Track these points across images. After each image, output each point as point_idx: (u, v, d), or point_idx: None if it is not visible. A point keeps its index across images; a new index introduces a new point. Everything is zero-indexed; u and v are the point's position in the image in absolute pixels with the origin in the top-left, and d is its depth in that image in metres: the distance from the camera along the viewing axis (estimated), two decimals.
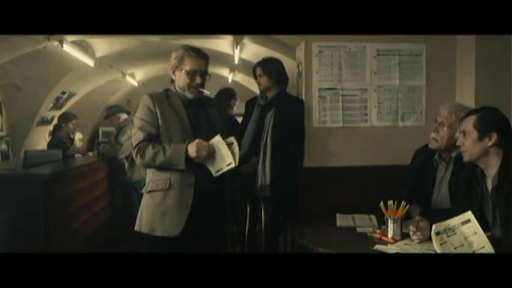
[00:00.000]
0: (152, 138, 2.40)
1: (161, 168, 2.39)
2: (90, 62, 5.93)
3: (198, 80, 2.46)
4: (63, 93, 6.96)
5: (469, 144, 2.17)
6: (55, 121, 6.68)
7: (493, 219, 2.13)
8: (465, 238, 1.84)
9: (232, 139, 2.40)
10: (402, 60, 3.46)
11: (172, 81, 2.54)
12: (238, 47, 5.67)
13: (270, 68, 3.40)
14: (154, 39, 5.43)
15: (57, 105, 7.09)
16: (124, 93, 9.23)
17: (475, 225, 1.87)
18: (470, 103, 3.26)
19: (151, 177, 2.46)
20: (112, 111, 5.40)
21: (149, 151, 2.35)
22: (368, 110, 3.44)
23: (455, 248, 1.82)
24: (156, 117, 2.42)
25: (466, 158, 2.20)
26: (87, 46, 5.74)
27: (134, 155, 2.41)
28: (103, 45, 5.82)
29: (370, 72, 3.44)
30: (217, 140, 2.36)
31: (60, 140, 5.65)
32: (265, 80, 3.38)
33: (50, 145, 5.82)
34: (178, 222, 2.36)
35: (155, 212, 2.40)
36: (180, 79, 2.48)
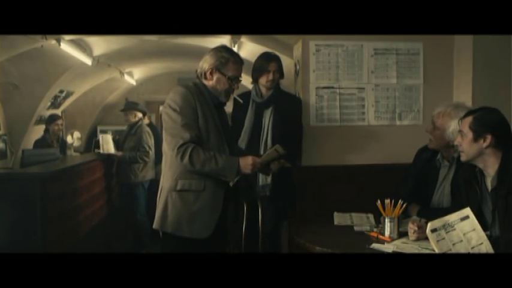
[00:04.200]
0: (198, 139, 2.29)
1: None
2: (88, 61, 5.92)
3: (235, 86, 2.45)
4: (61, 92, 6.96)
5: (465, 145, 2.19)
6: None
7: (492, 219, 2.14)
8: (464, 234, 1.84)
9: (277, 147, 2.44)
10: (399, 59, 3.46)
11: (205, 79, 2.44)
12: (236, 46, 5.66)
13: (280, 64, 3.24)
14: (152, 38, 5.42)
15: (55, 104, 7.09)
16: (122, 91, 9.22)
17: (473, 221, 1.87)
18: (468, 102, 3.26)
19: (181, 175, 2.32)
20: (132, 106, 5.36)
21: (200, 156, 2.25)
22: (365, 108, 3.44)
23: (453, 244, 1.82)
24: (196, 114, 2.32)
25: (463, 158, 2.23)
26: (84, 45, 5.73)
27: (179, 156, 2.25)
28: (101, 43, 5.82)
29: (368, 71, 3.44)
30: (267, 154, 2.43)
31: (46, 143, 5.59)
32: (277, 77, 3.20)
33: (35, 147, 5.70)
34: (209, 225, 2.30)
35: (184, 212, 2.31)
36: (219, 82, 2.40)
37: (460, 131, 2.22)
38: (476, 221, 1.87)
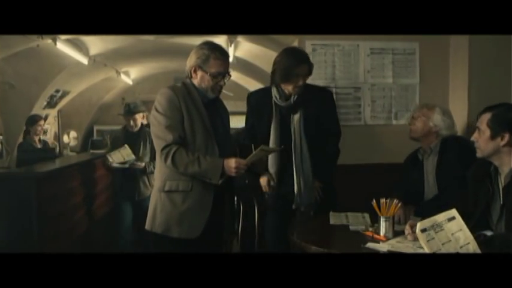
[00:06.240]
0: (182, 140, 2.29)
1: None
2: (84, 60, 5.91)
3: (222, 82, 2.39)
4: (57, 91, 6.96)
5: (482, 142, 2.14)
6: (50, 119, 6.66)
7: (500, 215, 2.12)
8: (452, 234, 1.85)
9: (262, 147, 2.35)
10: (396, 59, 3.47)
11: (190, 78, 2.41)
12: (233, 45, 5.66)
13: (312, 65, 2.78)
14: (149, 38, 5.42)
15: (51, 104, 7.09)
16: (119, 91, 9.23)
17: (459, 222, 1.87)
18: (464, 101, 3.29)
19: (169, 176, 2.33)
20: (140, 109, 4.52)
21: (183, 158, 2.25)
22: (361, 108, 3.45)
23: (443, 244, 1.82)
24: (181, 114, 2.30)
25: (479, 154, 2.18)
26: (80, 44, 5.72)
27: (163, 157, 2.28)
28: (97, 43, 5.81)
29: (364, 71, 3.45)
30: (254, 155, 2.32)
31: (29, 144, 5.35)
32: (305, 81, 2.73)
33: (20, 150, 5.34)
34: (198, 225, 2.29)
35: (173, 213, 2.31)
36: (204, 80, 2.37)
37: (477, 127, 2.19)
38: (462, 222, 1.87)
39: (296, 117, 2.77)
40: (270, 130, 2.79)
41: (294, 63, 2.67)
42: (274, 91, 2.79)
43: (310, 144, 2.76)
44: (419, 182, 2.79)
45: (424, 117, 2.76)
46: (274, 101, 2.79)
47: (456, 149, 2.67)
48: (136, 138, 4.39)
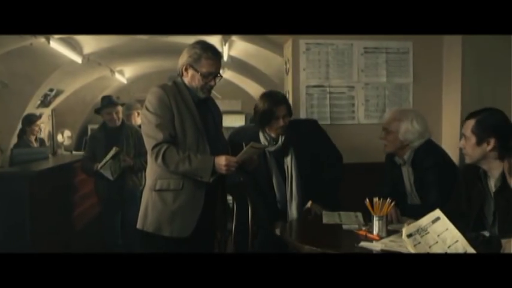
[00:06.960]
0: (172, 139, 2.28)
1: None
2: (78, 59, 5.89)
3: (212, 82, 2.37)
4: (51, 90, 6.92)
5: (469, 148, 2.14)
6: (44, 118, 6.60)
7: (493, 220, 2.13)
8: (438, 235, 1.85)
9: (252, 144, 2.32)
10: (389, 58, 3.48)
11: (181, 76, 2.40)
12: (227, 44, 5.66)
13: (289, 104, 2.83)
14: (143, 36, 5.40)
15: (44, 103, 7.06)
16: (113, 90, 9.19)
17: (445, 221, 1.87)
18: (457, 100, 3.30)
19: (161, 175, 2.32)
20: (117, 101, 4.28)
21: (173, 157, 2.25)
22: (355, 107, 3.46)
23: (430, 247, 1.83)
24: (172, 113, 2.30)
25: (468, 161, 2.19)
26: (74, 43, 5.70)
27: (153, 156, 2.27)
28: (91, 42, 5.78)
29: (358, 70, 3.46)
30: (245, 151, 2.31)
31: (26, 144, 5.35)
32: (288, 121, 2.74)
33: (15, 149, 5.15)
34: (189, 224, 2.29)
35: (164, 212, 2.30)
36: (194, 79, 2.36)
37: (463, 134, 2.19)
38: (448, 221, 1.87)
39: (288, 159, 2.82)
40: (271, 178, 2.84)
41: (271, 106, 2.70)
42: (261, 137, 2.81)
43: (305, 183, 2.79)
44: (400, 183, 2.81)
45: (394, 131, 2.72)
46: (266, 149, 2.79)
47: (428, 160, 2.67)
48: (118, 134, 4.11)
